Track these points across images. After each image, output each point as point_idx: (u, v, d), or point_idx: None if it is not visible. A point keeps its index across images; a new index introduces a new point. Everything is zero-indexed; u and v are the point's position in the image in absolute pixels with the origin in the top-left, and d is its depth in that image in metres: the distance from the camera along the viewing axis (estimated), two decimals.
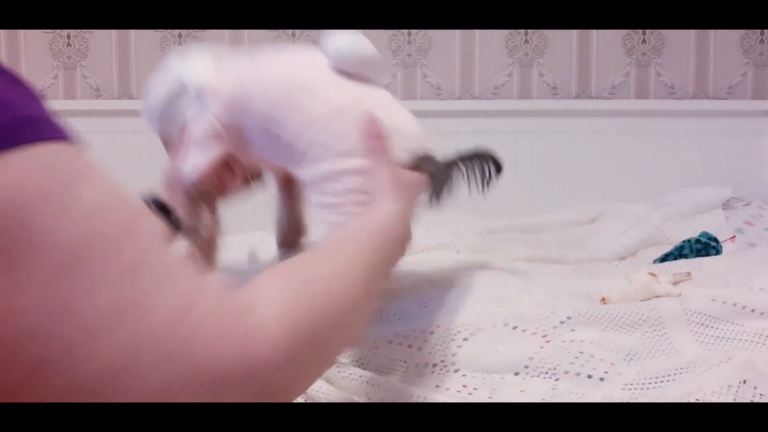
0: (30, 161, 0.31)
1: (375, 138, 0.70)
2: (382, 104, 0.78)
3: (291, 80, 0.78)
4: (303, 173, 0.77)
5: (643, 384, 0.68)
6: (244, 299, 0.38)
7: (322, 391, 0.70)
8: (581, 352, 0.73)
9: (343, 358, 0.79)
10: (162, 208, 0.80)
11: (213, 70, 0.84)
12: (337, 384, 0.72)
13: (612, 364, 0.72)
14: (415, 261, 1.17)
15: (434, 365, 0.76)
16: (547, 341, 0.75)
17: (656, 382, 0.68)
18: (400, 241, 0.64)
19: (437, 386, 0.72)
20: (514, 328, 0.79)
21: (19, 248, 0.29)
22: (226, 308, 0.36)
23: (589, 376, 0.70)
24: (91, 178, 0.33)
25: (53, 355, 0.30)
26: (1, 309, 0.29)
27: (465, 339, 0.79)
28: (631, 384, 0.69)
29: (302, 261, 0.49)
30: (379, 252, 0.57)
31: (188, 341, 0.33)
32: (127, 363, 0.32)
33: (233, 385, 0.35)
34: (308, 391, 0.70)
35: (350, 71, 0.78)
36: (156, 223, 0.66)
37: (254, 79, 0.81)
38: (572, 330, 0.77)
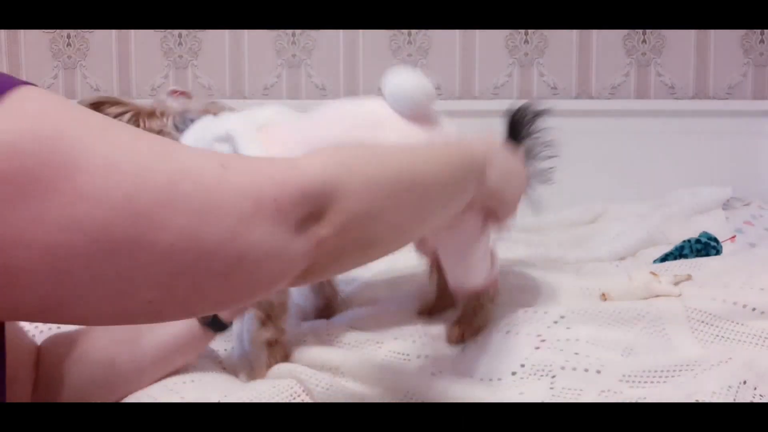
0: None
1: None
2: None
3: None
4: None
5: (640, 378, 0.68)
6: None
7: (320, 386, 0.70)
8: (578, 351, 0.73)
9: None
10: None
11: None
12: (335, 384, 0.72)
13: (609, 359, 0.72)
14: (415, 259, 1.17)
15: (432, 375, 0.76)
16: (542, 341, 0.75)
17: (653, 379, 0.68)
18: (481, 169, 0.61)
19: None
20: (507, 332, 0.78)
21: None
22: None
23: (586, 370, 0.70)
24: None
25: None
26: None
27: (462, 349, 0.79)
28: (629, 375, 0.68)
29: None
30: (455, 168, 0.56)
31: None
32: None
33: (290, 202, 0.38)
34: (309, 390, 0.70)
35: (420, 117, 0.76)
36: None
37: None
38: (567, 328, 0.77)
